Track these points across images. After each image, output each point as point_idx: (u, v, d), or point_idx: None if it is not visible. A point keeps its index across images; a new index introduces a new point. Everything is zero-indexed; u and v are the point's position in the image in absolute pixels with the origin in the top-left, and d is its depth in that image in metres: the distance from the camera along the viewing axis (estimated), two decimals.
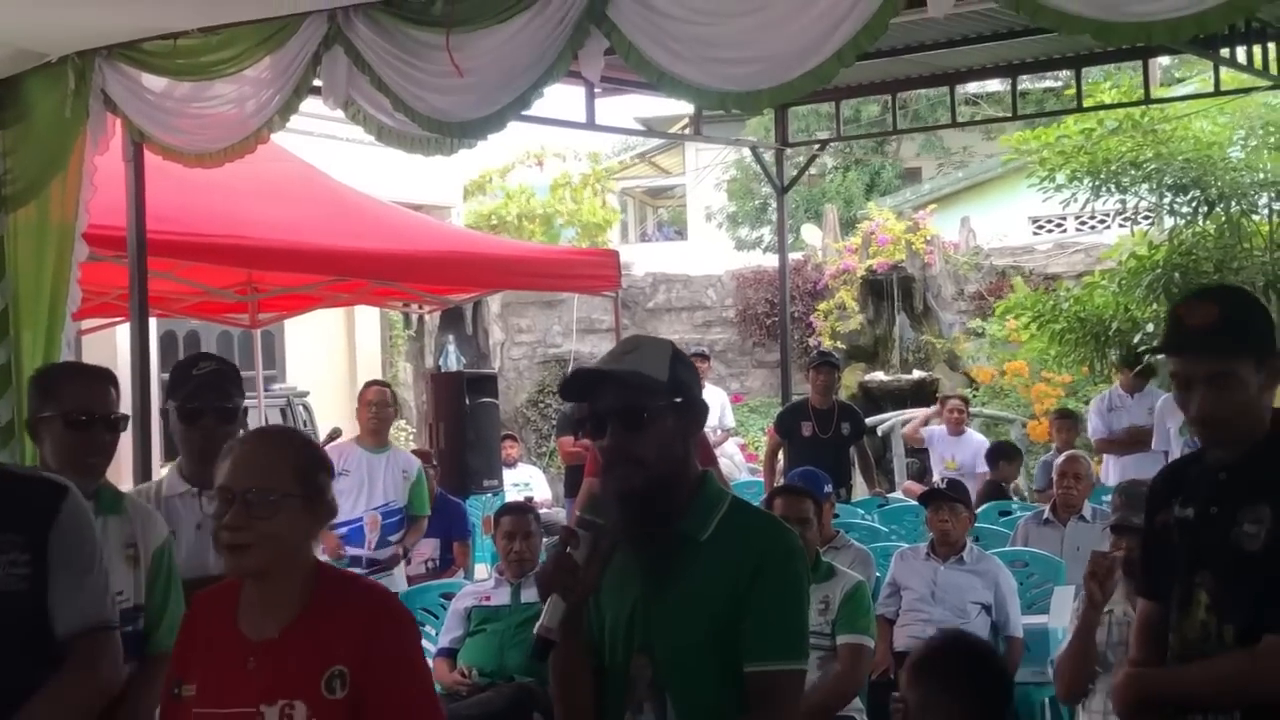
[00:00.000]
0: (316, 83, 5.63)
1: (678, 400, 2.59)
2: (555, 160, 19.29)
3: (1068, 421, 10.23)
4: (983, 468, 10.23)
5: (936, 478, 10.58)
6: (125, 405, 4.73)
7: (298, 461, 2.58)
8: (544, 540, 6.33)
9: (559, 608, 2.50)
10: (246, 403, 13.88)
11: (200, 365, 3.83)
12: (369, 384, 8.50)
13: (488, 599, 6.09)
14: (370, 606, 2.59)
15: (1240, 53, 8.75)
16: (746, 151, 21.56)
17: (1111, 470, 9.66)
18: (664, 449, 2.57)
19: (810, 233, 17.38)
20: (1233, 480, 2.80)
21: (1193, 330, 2.78)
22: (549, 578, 2.53)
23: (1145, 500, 3.18)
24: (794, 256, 15.42)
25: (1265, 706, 2.68)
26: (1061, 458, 7.59)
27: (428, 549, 8.31)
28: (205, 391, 3.63)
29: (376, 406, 7.98)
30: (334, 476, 2.72)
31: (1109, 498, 7.44)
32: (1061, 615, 6.08)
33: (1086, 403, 13.22)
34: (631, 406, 2.55)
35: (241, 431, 3.57)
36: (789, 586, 2.56)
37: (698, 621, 2.54)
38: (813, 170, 18.66)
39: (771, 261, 17.59)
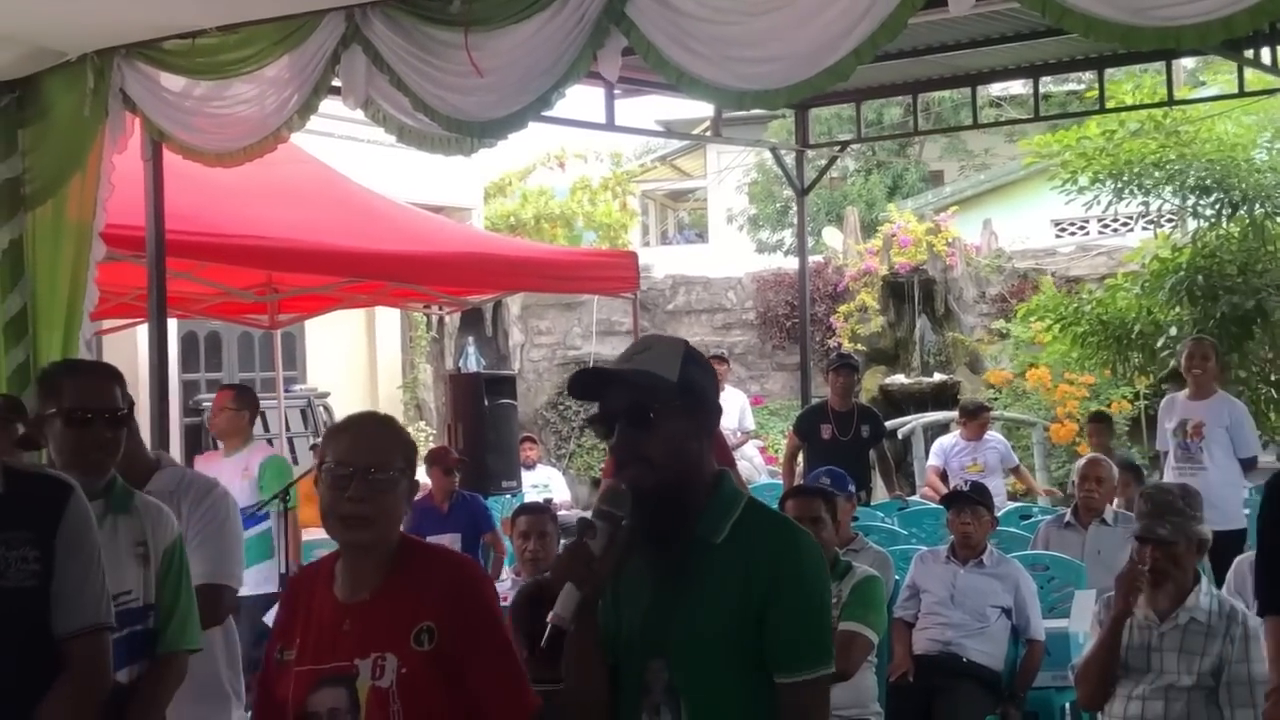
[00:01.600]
0: (336, 83, 5.63)
1: (689, 400, 2.56)
2: (576, 162, 19.28)
3: (1100, 426, 9.81)
4: (1012, 462, 10.17)
5: (956, 482, 10.52)
6: (143, 405, 4.74)
7: (403, 444, 2.76)
8: (561, 542, 6.31)
9: (573, 597, 2.46)
10: (267, 403, 13.77)
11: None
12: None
13: (505, 599, 6.06)
14: (453, 569, 2.78)
15: (1265, 54, 8.68)
16: (767, 154, 21.65)
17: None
18: (674, 449, 2.54)
19: (831, 235, 17.33)
20: None
21: None
22: (564, 567, 2.50)
23: (1262, 508, 3.09)
24: (815, 259, 15.37)
25: None
26: (1083, 461, 7.43)
27: (446, 544, 8.29)
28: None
29: (218, 411, 7.66)
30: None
31: None
32: (1083, 619, 6.02)
33: (1108, 404, 13.17)
34: (639, 406, 2.53)
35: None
36: (809, 592, 2.53)
37: (713, 625, 2.51)
38: (834, 173, 18.62)
39: (792, 264, 17.54)
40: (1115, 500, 8.68)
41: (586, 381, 2.62)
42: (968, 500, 6.22)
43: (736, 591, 2.50)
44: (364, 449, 2.68)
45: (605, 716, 2.59)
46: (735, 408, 11.92)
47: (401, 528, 2.78)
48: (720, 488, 2.62)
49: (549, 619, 2.46)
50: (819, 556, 2.61)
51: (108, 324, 9.12)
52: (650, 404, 2.53)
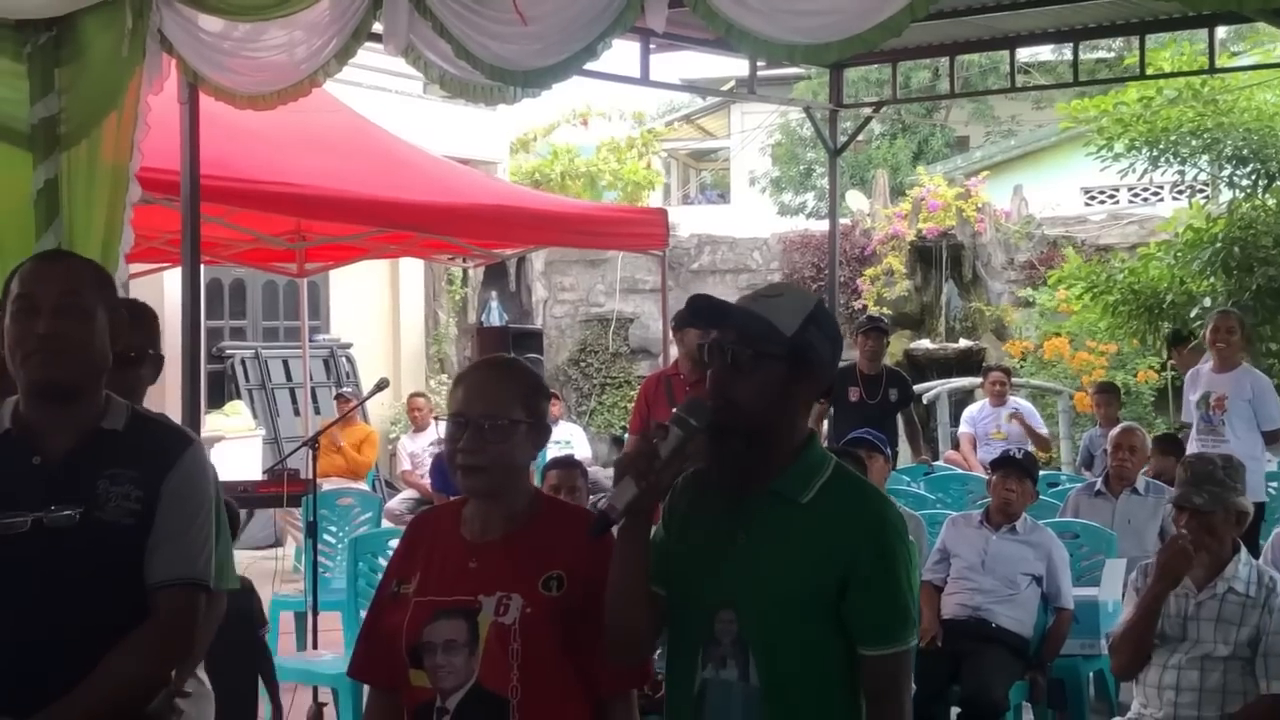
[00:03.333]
0: (374, 29, 5.56)
1: (796, 358, 2.51)
2: (600, 120, 19.18)
3: (1107, 396, 9.96)
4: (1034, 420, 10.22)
5: (981, 454, 10.52)
6: (174, 351, 4.69)
7: (524, 390, 2.77)
8: (591, 498, 6.29)
9: (629, 490, 2.45)
10: (290, 352, 13.91)
11: None
12: None
13: None
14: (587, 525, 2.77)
15: None
16: (792, 115, 21.56)
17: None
18: (764, 400, 2.49)
19: (855, 199, 17.24)
20: None
21: None
22: (629, 460, 2.48)
23: None
24: (842, 221, 15.29)
25: None
26: (1118, 429, 7.40)
27: None
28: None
29: None
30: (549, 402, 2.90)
31: None
32: (1113, 588, 6.00)
33: (1135, 375, 13.10)
34: (742, 347, 2.49)
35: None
36: (897, 566, 2.50)
37: (792, 584, 2.48)
38: (859, 137, 18.51)
39: (817, 226, 17.47)
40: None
41: (702, 309, 2.57)
42: (1017, 467, 6.16)
43: (820, 554, 2.47)
44: (475, 398, 2.72)
45: (640, 634, 2.60)
46: None
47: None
48: (809, 449, 2.58)
49: (600, 505, 2.49)
50: (904, 527, 2.57)
51: (134, 269, 9.08)
52: (754, 349, 2.49)
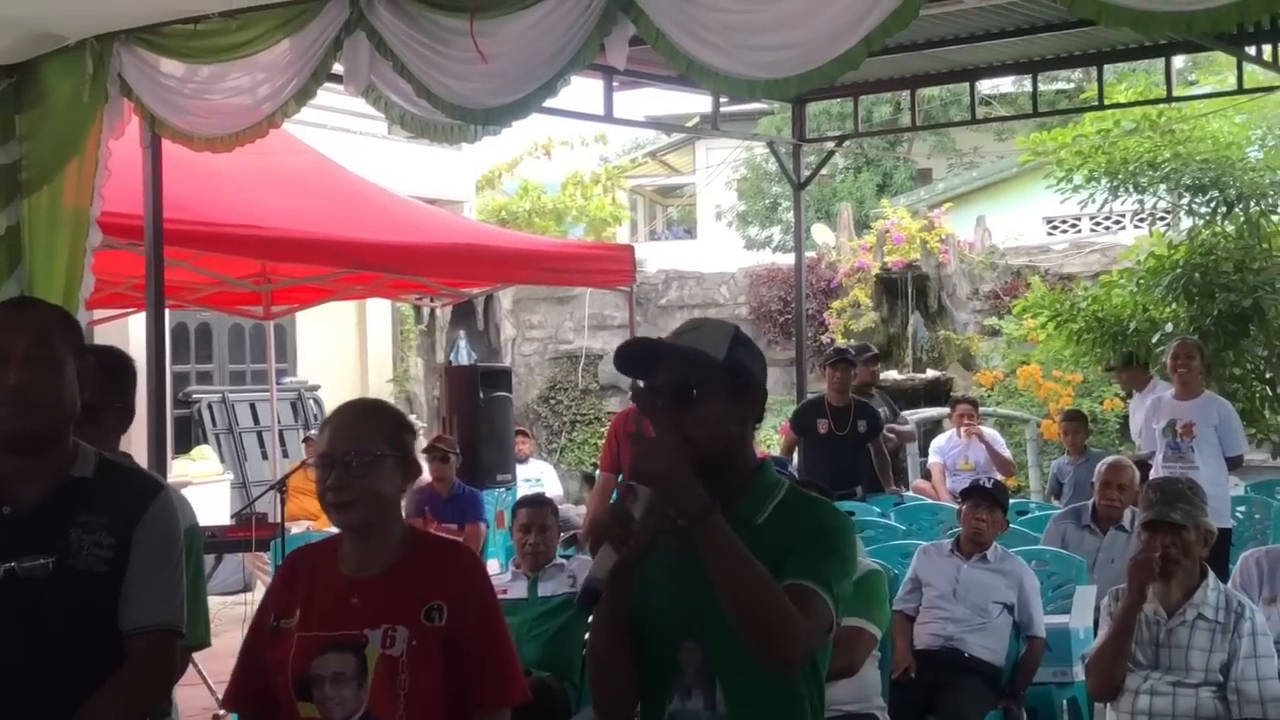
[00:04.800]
0: (335, 69, 5.57)
1: (734, 381, 2.55)
2: (563, 149, 19.19)
3: (1074, 424, 9.86)
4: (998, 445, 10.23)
5: (950, 484, 10.52)
6: (140, 396, 4.67)
7: (387, 426, 2.91)
8: (561, 536, 6.27)
9: (609, 559, 2.45)
10: (257, 396, 13.76)
11: None
12: None
13: (504, 592, 6.02)
14: (463, 557, 2.97)
15: (1265, 50, 8.68)
16: (757, 150, 21.68)
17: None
18: (715, 428, 2.53)
19: (821, 232, 17.31)
20: None
21: None
22: (604, 528, 2.48)
23: None
24: (807, 255, 15.36)
25: None
26: (1106, 465, 7.09)
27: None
28: None
29: None
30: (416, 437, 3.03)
31: None
32: (1084, 615, 6.02)
33: (1101, 403, 13.17)
34: (682, 381, 2.52)
35: None
36: (834, 545, 2.53)
37: None
38: (824, 171, 18.62)
39: (783, 260, 17.52)
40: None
41: (632, 355, 2.60)
42: (987, 496, 6.17)
43: (773, 569, 2.47)
44: (340, 438, 2.85)
45: (627, 694, 2.58)
46: None
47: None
48: (762, 472, 2.61)
49: (584, 580, 2.48)
50: (852, 538, 2.59)
51: (99, 314, 9.05)
52: (694, 381, 2.52)
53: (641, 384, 2.59)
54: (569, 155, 19.24)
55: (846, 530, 2.58)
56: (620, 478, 6.38)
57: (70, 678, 2.69)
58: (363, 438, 2.84)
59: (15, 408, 2.70)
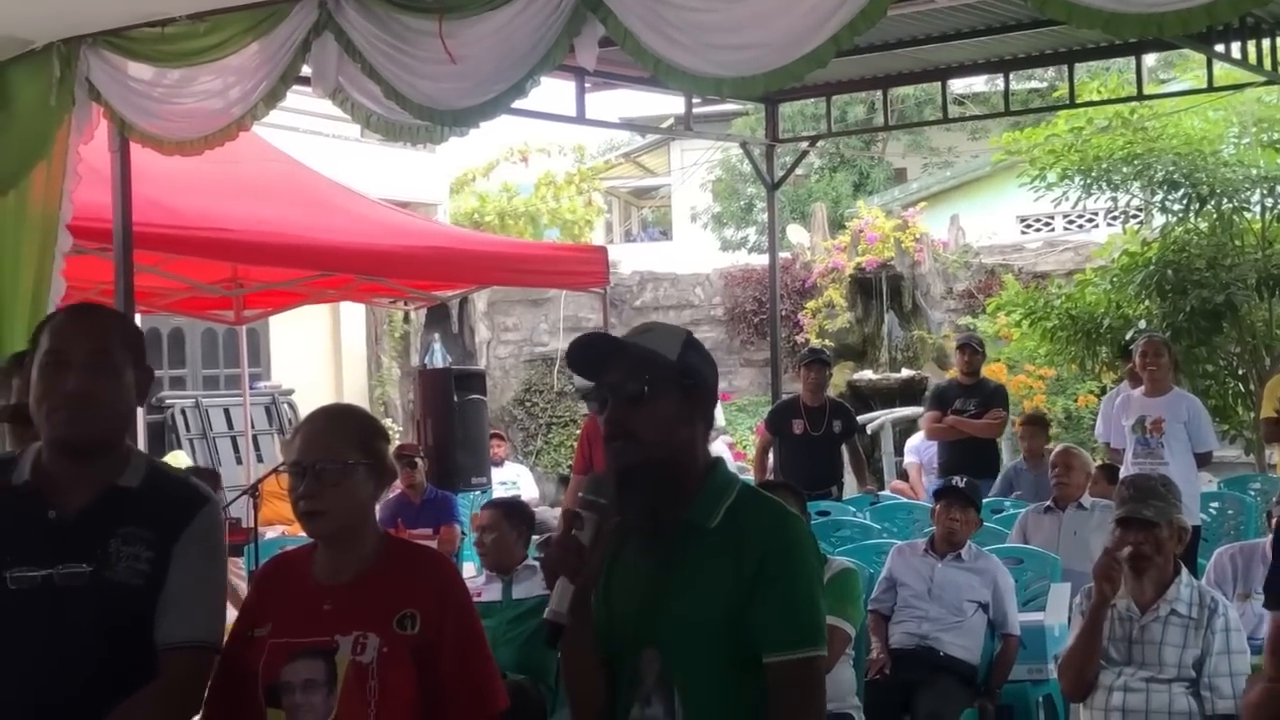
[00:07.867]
0: (303, 72, 5.55)
1: (685, 382, 2.55)
2: (540, 156, 19.17)
3: (1033, 428, 9.35)
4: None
5: (927, 483, 10.52)
6: None
7: (358, 433, 2.88)
8: (535, 539, 6.25)
9: (567, 590, 2.45)
10: (231, 401, 13.73)
11: None
12: None
13: (479, 595, 6.00)
14: (437, 563, 2.96)
15: (1235, 48, 8.71)
16: (732, 151, 21.68)
17: None
18: (665, 428, 2.52)
19: (796, 232, 17.32)
20: None
21: None
22: (555, 560, 2.49)
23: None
24: (782, 255, 15.36)
25: None
26: (1056, 450, 7.51)
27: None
28: None
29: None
30: (390, 443, 3.02)
31: None
32: (1058, 612, 6.03)
33: (1075, 399, 13.20)
34: (634, 380, 2.52)
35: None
36: (799, 572, 2.50)
37: (704, 611, 2.48)
38: (799, 170, 18.65)
39: (758, 260, 17.53)
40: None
41: (584, 354, 2.60)
42: (960, 496, 6.19)
43: (728, 576, 2.48)
44: (309, 446, 2.82)
45: (601, 711, 2.56)
46: None
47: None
48: (714, 474, 2.60)
49: (545, 615, 2.46)
50: (810, 536, 2.58)
51: None
52: (645, 380, 2.51)
53: (593, 383, 2.58)
54: (545, 162, 19.20)
55: (803, 536, 2.56)
56: None
57: (100, 686, 2.66)
58: (334, 446, 2.82)
59: (71, 414, 2.70)
